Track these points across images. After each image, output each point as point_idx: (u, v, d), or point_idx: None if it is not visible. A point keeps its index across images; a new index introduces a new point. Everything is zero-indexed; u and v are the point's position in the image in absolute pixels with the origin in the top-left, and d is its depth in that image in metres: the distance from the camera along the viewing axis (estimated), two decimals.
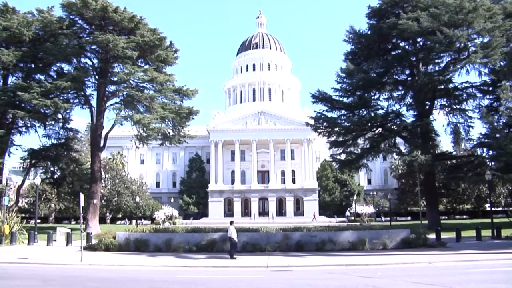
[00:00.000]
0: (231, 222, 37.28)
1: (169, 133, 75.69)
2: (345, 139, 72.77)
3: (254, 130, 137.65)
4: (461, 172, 68.77)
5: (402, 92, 72.82)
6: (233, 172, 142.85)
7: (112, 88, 73.01)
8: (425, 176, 74.97)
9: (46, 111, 69.04)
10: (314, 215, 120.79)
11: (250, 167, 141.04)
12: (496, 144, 55.84)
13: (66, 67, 75.19)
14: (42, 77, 73.73)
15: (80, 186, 76.20)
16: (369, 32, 73.25)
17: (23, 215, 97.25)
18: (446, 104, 71.74)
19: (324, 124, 72.83)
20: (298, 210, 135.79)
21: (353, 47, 74.94)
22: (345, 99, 72.00)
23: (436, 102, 71.21)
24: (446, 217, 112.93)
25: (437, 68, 70.16)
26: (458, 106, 70.79)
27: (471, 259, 32.16)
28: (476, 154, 72.97)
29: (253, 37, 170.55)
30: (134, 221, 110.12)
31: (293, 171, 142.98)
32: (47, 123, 74.18)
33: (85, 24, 71.70)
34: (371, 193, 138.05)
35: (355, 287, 21.83)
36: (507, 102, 53.47)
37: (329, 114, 72.69)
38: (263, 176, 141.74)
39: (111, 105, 71.91)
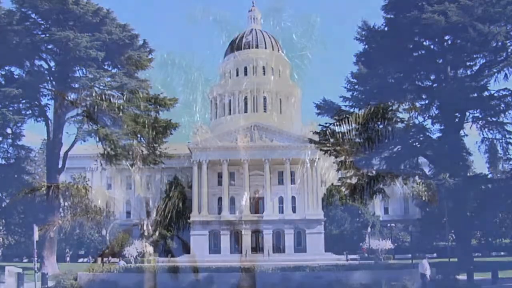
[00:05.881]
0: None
1: (142, 151, 75.34)
2: (357, 159, 72.60)
3: (246, 148, 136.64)
4: (499, 199, 68.67)
5: (427, 101, 72.84)
6: (220, 199, 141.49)
7: (72, 96, 72.77)
8: (454, 204, 74.75)
9: None
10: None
11: (241, 193, 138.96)
12: None
13: (16, 71, 75.05)
14: None
15: (33, 216, 75.69)
16: (386, 29, 73.39)
17: None
18: (480, 116, 71.77)
19: (331, 140, 72.37)
20: (300, 245, 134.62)
21: (366, 46, 74.98)
22: (356, 110, 71.86)
23: (467, 113, 71.24)
24: (480, 254, 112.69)
25: (469, 73, 70.28)
26: (494, 119, 70.80)
27: None
28: None
29: (245, 34, 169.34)
30: (99, 259, 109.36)
31: (293, 198, 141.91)
32: None
33: (40, 19, 71.61)
34: (389, 224, 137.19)
35: None
36: None
37: (338, 129, 72.47)
38: (257, 204, 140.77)
39: (71, 117, 71.72)
